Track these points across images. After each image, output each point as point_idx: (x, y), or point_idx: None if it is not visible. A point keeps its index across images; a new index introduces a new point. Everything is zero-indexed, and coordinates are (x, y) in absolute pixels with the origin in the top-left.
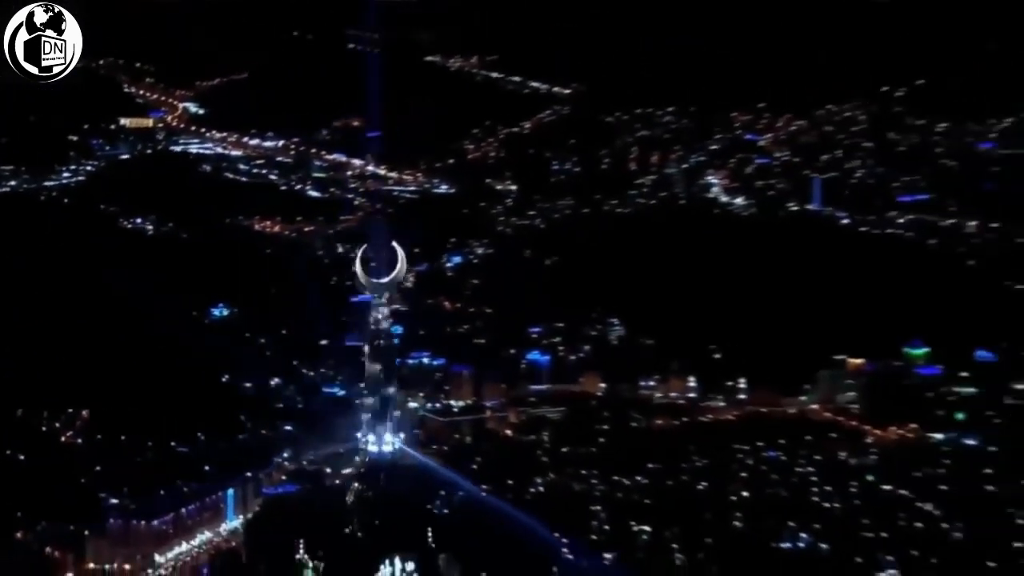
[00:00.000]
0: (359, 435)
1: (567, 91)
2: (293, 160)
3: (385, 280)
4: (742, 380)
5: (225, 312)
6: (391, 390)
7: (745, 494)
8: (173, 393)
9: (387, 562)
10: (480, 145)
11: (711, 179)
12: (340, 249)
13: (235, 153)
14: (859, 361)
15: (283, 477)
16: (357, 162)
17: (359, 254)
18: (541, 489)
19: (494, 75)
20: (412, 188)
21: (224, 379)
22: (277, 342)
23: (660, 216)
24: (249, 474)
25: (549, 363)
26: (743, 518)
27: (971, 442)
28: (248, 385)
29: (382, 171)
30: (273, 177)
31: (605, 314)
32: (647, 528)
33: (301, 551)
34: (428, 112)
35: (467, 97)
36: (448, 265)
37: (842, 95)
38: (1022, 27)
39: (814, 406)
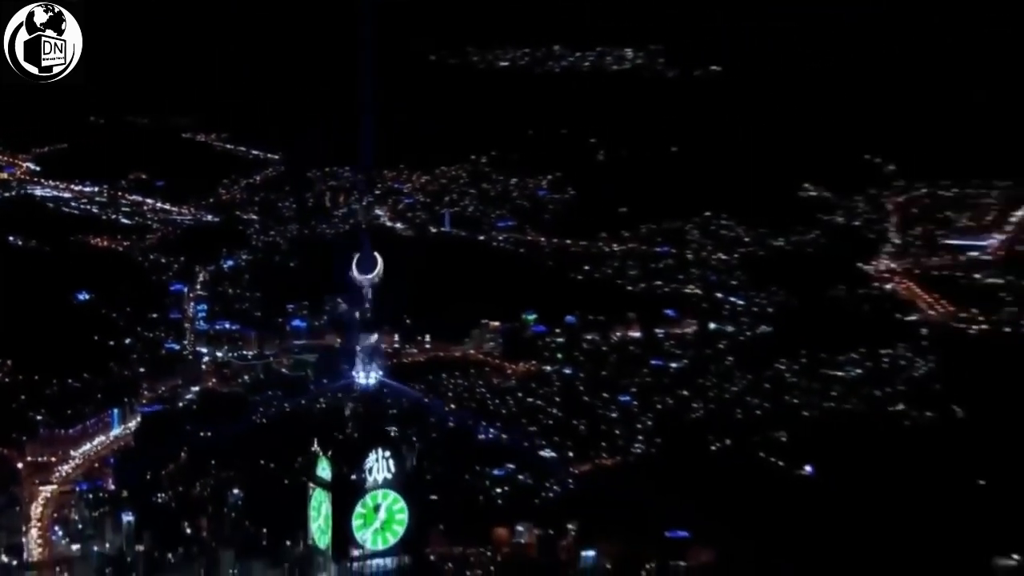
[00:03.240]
0: (353, 373)
1: (276, 156)
2: (106, 200)
3: (370, 276)
4: (427, 336)
5: (87, 296)
6: (373, 342)
7: (452, 406)
8: (64, 349)
9: (374, 451)
10: (229, 191)
11: (379, 212)
12: (152, 256)
13: (66, 195)
14: (496, 323)
15: (143, 402)
16: (150, 201)
17: (355, 260)
18: (324, 404)
19: (228, 146)
20: (189, 218)
21: (95, 338)
22: (124, 315)
23: (352, 235)
24: (125, 399)
25: (304, 326)
26: (452, 420)
27: (567, 371)
28: (111, 343)
29: (167, 206)
30: (95, 211)
31: (333, 295)
32: (394, 429)
33: (315, 445)
34: (190, 168)
35: (213, 159)
36: (226, 266)
37: (449, 161)
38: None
39: (471, 351)
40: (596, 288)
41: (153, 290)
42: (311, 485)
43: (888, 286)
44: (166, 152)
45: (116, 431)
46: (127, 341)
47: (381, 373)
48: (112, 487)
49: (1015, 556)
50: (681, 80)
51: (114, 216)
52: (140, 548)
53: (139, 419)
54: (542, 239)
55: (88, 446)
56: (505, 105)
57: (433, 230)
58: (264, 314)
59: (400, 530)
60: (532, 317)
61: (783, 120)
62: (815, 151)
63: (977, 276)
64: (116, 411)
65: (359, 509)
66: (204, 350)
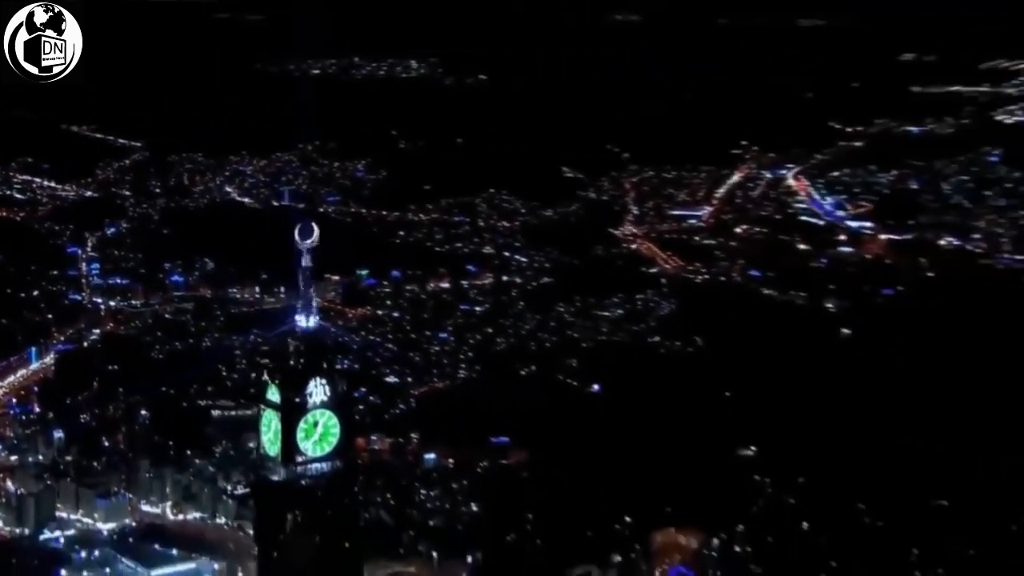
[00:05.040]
0: (295, 318)
1: (139, 144)
2: None
3: (308, 241)
4: (281, 288)
5: None
6: (312, 294)
7: None
8: None
9: (313, 378)
10: (104, 171)
11: (229, 190)
12: (47, 224)
13: None
14: (336, 277)
15: (55, 342)
16: (38, 180)
17: (297, 227)
18: (208, 343)
19: (98, 135)
20: (73, 194)
21: (8, 291)
22: (31, 273)
23: (210, 210)
24: (40, 340)
25: (182, 280)
26: None
27: (396, 315)
28: (23, 295)
29: (53, 184)
30: None
31: (202, 256)
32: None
33: (266, 376)
34: (70, 153)
35: (88, 146)
36: (110, 232)
37: (282, 149)
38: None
39: (318, 299)
40: (411, 249)
41: (51, 252)
42: (262, 406)
43: (633, 246)
44: (51, 138)
45: (35, 366)
46: (35, 293)
47: (318, 318)
48: (39, 410)
49: (752, 447)
50: (457, 86)
51: (8, 192)
52: (69, 458)
53: (54, 356)
54: (363, 211)
55: (12, 378)
56: (321, 105)
57: (275, 204)
58: (147, 271)
59: (334, 441)
60: (364, 272)
61: (542, 118)
62: (569, 142)
63: (696, 238)
64: (33, 350)
65: (302, 425)
66: (100, 300)
